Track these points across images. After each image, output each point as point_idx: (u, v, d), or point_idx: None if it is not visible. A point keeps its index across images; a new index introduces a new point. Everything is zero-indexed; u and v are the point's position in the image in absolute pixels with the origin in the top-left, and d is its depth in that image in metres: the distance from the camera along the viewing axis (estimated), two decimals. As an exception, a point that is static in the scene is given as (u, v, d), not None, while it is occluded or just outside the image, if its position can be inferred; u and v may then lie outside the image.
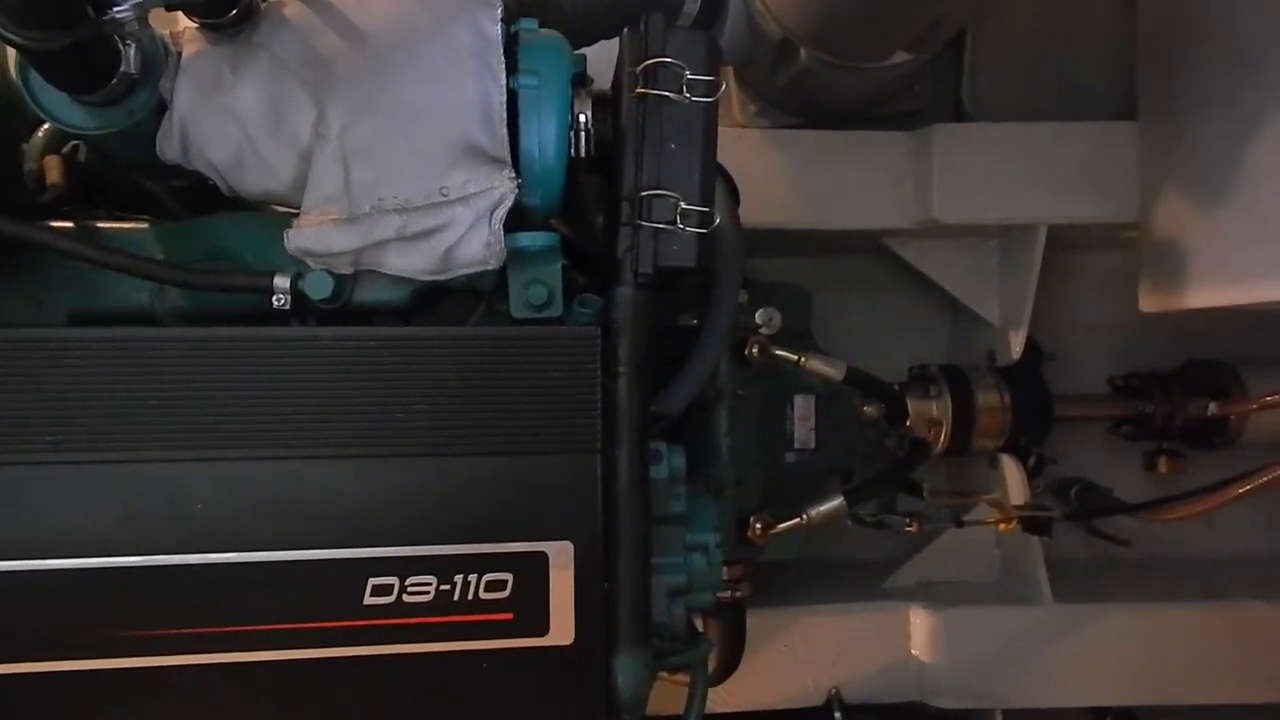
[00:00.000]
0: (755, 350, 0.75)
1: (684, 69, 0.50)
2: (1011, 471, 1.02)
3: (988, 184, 0.99)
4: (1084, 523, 1.08)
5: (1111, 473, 1.13)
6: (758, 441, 0.80)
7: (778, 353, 0.74)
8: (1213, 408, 1.04)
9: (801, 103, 1.02)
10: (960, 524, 0.94)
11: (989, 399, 1.03)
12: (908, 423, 1.00)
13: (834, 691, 0.96)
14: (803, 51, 0.89)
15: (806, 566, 1.04)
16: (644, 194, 0.50)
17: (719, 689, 0.91)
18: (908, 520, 0.87)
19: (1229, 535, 1.17)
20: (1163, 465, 1.12)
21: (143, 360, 0.47)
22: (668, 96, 0.50)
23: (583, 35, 0.73)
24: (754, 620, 0.89)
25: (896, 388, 1.01)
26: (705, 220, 0.51)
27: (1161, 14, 0.95)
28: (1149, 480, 1.13)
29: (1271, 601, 0.99)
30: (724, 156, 0.87)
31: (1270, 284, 0.81)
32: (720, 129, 1.14)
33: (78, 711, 0.47)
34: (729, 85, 1.10)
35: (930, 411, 1.03)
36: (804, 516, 0.73)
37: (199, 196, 0.60)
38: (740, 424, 0.77)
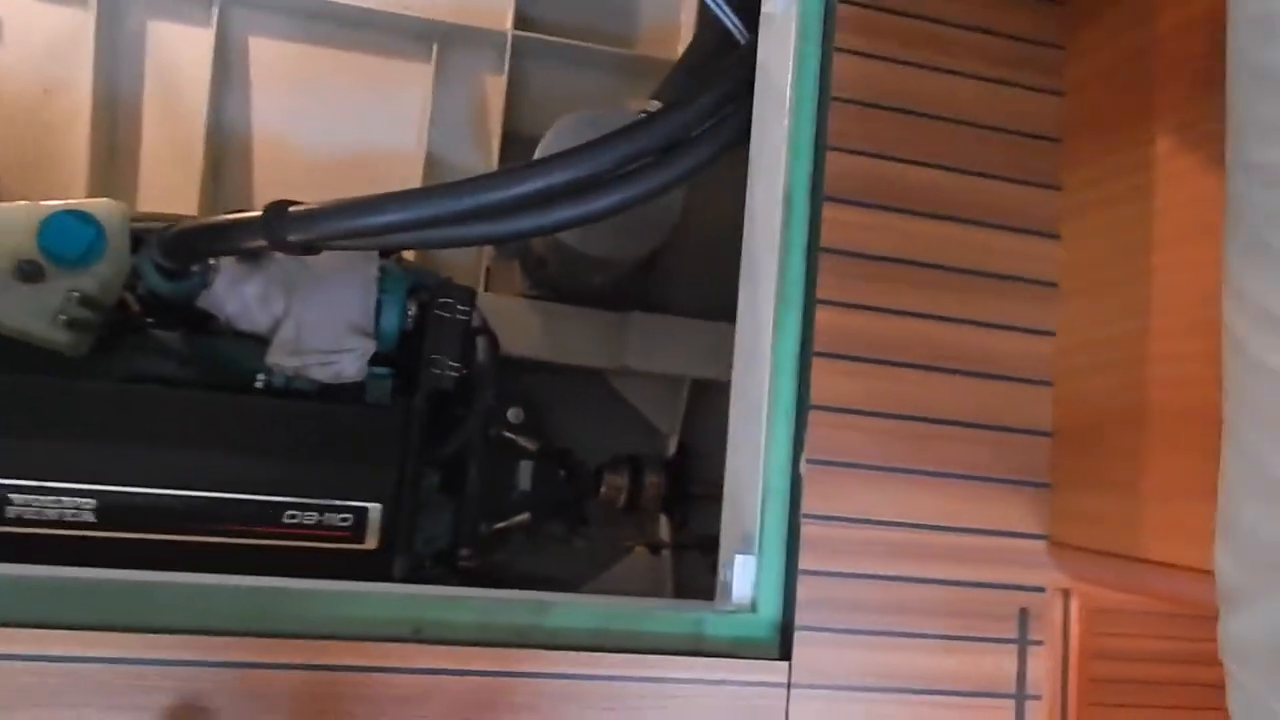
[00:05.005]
0: (494, 432, 1.44)
1: (455, 305, 1.20)
2: (663, 523, 1.74)
3: (660, 350, 1.74)
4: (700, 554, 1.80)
5: (731, 533, 1.88)
6: (494, 484, 1.47)
7: (506, 434, 1.43)
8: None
9: (552, 287, 1.74)
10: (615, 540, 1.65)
11: (652, 478, 1.75)
12: (602, 490, 1.70)
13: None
14: (550, 262, 1.61)
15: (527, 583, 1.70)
16: (431, 355, 1.19)
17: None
18: (583, 542, 1.57)
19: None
20: (760, 530, 1.88)
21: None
22: (445, 316, 1.19)
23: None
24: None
25: (597, 467, 1.71)
26: (457, 370, 1.20)
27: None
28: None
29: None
30: (507, 312, 1.60)
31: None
32: (505, 297, 1.86)
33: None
34: (516, 268, 1.81)
35: (618, 481, 1.74)
36: (511, 520, 1.41)
37: (201, 321, 1.23)
38: (484, 472, 1.44)
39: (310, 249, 1.00)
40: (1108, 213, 0.88)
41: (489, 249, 1.79)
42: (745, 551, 0.82)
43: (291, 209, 0.97)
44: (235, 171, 1.79)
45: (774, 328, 0.85)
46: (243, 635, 0.73)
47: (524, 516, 1.41)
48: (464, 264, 1.89)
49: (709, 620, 0.81)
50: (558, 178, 0.99)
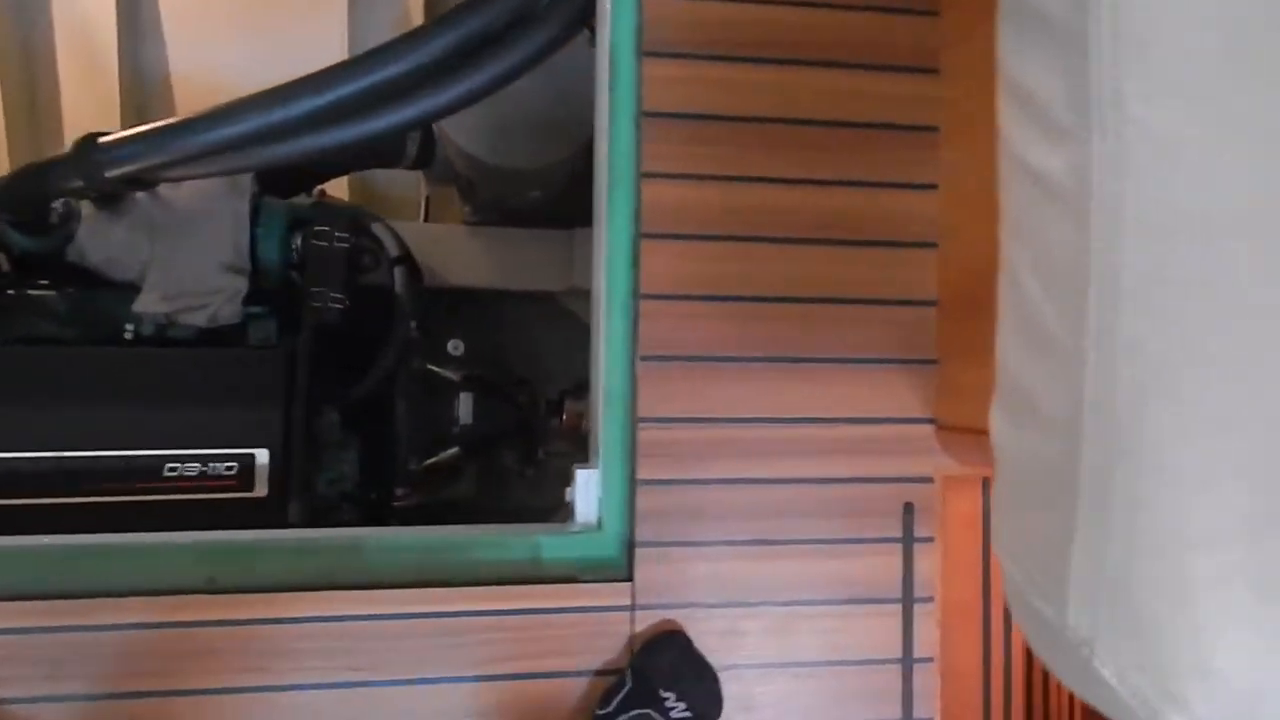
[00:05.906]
0: (418, 365, 1.36)
1: (332, 232, 1.11)
2: (629, 446, 1.66)
3: (609, 264, 1.64)
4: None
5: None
6: (430, 418, 1.41)
7: (429, 367, 1.36)
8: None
9: (493, 210, 1.64)
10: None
11: (615, 400, 1.67)
12: (563, 417, 1.62)
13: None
14: (473, 181, 1.51)
15: (481, 513, 1.64)
16: (312, 289, 1.11)
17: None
18: (531, 469, 1.50)
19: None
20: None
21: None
22: (322, 245, 1.11)
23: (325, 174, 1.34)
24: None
25: (560, 392, 1.63)
26: (340, 302, 1.12)
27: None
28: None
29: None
30: (449, 244, 1.51)
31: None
32: (445, 224, 1.77)
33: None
34: (455, 195, 1.72)
35: (579, 407, 1.65)
36: (439, 455, 1.34)
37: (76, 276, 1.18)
38: (414, 407, 1.37)
39: (137, 184, 0.92)
40: (989, 37, 0.74)
41: (423, 177, 1.70)
42: (590, 465, 0.74)
43: (101, 139, 0.89)
44: (161, 117, 1.73)
45: (605, 207, 0.74)
46: (34, 599, 0.68)
47: (453, 451, 1.34)
48: (402, 195, 1.81)
49: (546, 544, 0.73)
50: (390, 71, 0.88)
